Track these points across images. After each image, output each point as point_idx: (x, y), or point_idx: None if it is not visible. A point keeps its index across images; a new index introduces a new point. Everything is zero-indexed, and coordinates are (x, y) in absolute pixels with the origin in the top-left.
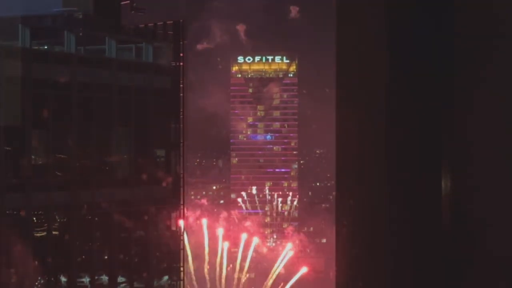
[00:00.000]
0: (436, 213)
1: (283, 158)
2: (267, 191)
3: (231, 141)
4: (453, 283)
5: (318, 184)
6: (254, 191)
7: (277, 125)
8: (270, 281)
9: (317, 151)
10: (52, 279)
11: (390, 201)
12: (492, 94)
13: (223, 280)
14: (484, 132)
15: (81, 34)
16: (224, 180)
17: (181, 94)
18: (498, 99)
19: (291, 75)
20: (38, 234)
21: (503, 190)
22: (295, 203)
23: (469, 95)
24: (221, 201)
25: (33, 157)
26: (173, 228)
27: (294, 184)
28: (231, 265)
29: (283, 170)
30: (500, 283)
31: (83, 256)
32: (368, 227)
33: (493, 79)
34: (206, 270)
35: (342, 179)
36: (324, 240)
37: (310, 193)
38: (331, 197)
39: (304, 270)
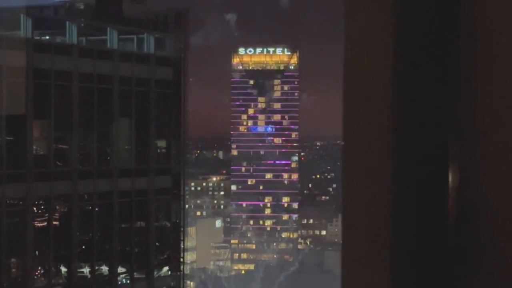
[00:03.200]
0: (442, 206)
1: (283, 150)
2: (267, 183)
3: (231, 132)
4: (459, 277)
5: (318, 176)
6: (254, 183)
7: (277, 117)
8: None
9: (318, 143)
10: (52, 269)
11: (396, 193)
12: (499, 87)
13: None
14: (492, 124)
15: (82, 24)
16: (224, 171)
17: (182, 85)
18: (504, 92)
19: (292, 67)
20: (38, 224)
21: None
22: (295, 195)
23: (476, 89)
24: (221, 192)
25: (34, 147)
26: (174, 219)
27: (294, 176)
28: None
29: (283, 162)
30: (508, 278)
31: (83, 247)
32: (375, 219)
33: (500, 74)
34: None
35: (349, 170)
36: (323, 233)
37: (310, 185)
38: (331, 189)
39: None
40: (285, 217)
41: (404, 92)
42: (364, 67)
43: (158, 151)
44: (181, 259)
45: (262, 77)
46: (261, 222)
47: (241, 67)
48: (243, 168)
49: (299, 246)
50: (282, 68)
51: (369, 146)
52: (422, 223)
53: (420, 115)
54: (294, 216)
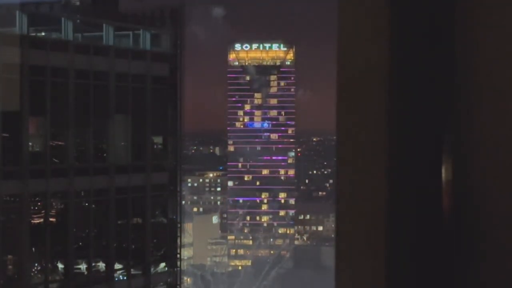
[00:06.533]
0: (437, 201)
1: (280, 146)
2: (264, 179)
3: (228, 128)
4: (455, 272)
5: (314, 172)
6: (251, 179)
7: (274, 112)
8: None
9: (314, 139)
10: (49, 266)
11: (390, 189)
12: (494, 82)
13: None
14: (486, 119)
15: (78, 21)
16: (221, 167)
17: (179, 81)
18: (500, 89)
19: (288, 62)
20: (35, 221)
21: (506, 178)
22: (291, 191)
23: (471, 84)
24: (218, 189)
25: (30, 143)
26: (170, 215)
27: (291, 172)
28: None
29: (280, 158)
30: (505, 273)
31: (80, 243)
32: (369, 215)
33: (495, 69)
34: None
35: (343, 166)
36: (320, 228)
37: (306, 180)
38: (327, 185)
39: None
40: (282, 213)
41: (398, 88)
42: (358, 63)
43: (155, 147)
44: (178, 255)
45: (258, 73)
46: (257, 218)
47: (237, 63)
48: (240, 164)
49: (296, 242)
50: (278, 63)
51: (363, 142)
52: (417, 219)
53: (414, 111)
54: (291, 212)
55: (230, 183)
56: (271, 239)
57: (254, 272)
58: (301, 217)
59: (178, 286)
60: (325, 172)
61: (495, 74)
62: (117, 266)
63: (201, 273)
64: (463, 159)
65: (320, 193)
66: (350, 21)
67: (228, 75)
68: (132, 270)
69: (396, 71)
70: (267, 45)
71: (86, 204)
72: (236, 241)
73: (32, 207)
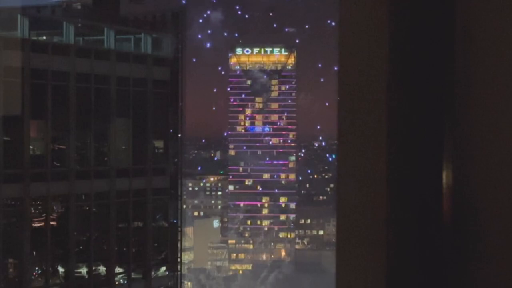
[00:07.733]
0: (437, 207)
1: (281, 150)
2: (264, 183)
3: (229, 132)
4: (453, 275)
5: (315, 176)
6: (251, 183)
7: (275, 117)
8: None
9: (315, 144)
10: (50, 269)
11: (390, 194)
12: (494, 87)
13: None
14: (486, 125)
15: (79, 24)
16: (221, 171)
17: (180, 85)
18: (500, 89)
19: (290, 67)
20: (35, 224)
21: (506, 181)
22: (292, 195)
23: (471, 89)
24: (219, 193)
25: (31, 147)
26: (171, 219)
27: (292, 176)
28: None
29: (281, 162)
30: (505, 278)
31: (81, 247)
32: (369, 220)
33: (495, 74)
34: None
35: (343, 171)
36: (321, 232)
37: (307, 185)
38: (328, 189)
39: None
40: (283, 217)
41: (399, 94)
42: (358, 64)
43: (156, 151)
44: (179, 259)
45: (259, 77)
46: (258, 222)
47: (238, 67)
48: (241, 168)
49: (297, 246)
50: (279, 68)
51: (364, 147)
52: (417, 224)
53: (414, 117)
54: (292, 216)
55: (231, 187)
56: (272, 244)
57: (254, 276)
58: (302, 221)
59: None
60: (326, 177)
61: (495, 74)
62: (118, 269)
63: (197, 276)
64: (463, 160)
65: (321, 197)
66: (351, 21)
67: (229, 79)
68: (132, 273)
69: (396, 72)
70: (268, 49)
71: (87, 207)
72: (237, 245)
73: (33, 211)
